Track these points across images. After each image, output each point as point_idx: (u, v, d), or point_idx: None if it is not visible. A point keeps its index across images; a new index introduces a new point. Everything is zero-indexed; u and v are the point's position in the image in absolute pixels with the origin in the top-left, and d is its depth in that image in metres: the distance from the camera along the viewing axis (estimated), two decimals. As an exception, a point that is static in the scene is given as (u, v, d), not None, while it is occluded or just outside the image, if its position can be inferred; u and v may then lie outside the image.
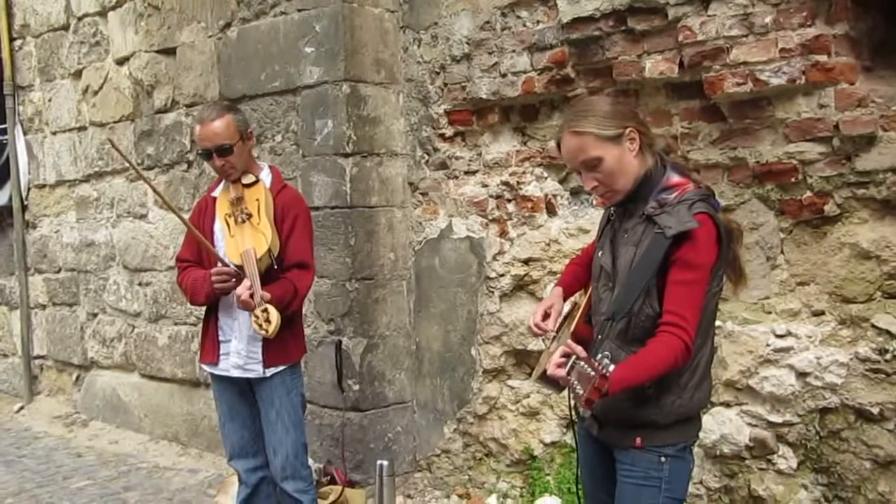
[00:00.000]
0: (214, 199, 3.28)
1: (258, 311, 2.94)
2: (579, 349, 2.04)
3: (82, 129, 5.93)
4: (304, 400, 3.35)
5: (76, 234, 6.09)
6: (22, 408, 6.59)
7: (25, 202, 6.54)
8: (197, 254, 3.31)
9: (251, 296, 2.94)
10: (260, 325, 2.94)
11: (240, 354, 3.18)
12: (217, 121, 3.11)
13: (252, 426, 3.29)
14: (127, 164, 5.50)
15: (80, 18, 5.80)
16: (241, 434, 3.29)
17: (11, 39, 6.43)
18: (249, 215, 3.11)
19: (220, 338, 3.23)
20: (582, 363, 1.98)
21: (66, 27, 5.95)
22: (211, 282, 3.09)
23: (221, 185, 3.28)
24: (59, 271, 6.32)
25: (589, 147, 2.17)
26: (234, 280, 3.06)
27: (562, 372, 2.04)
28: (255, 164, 3.32)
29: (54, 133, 6.23)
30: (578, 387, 1.98)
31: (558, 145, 2.27)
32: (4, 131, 6.50)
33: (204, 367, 3.36)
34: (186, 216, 3.40)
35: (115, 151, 5.60)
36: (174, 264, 3.48)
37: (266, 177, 3.27)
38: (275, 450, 3.22)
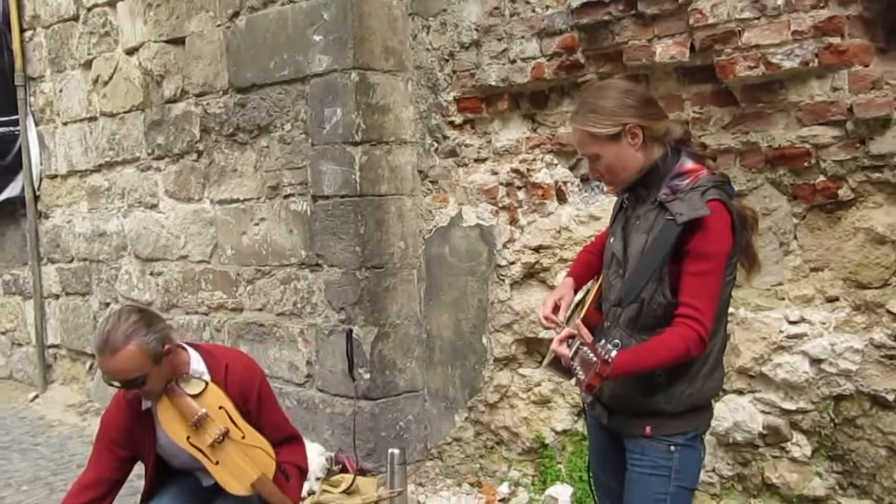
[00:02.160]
0: (149, 412, 2.64)
1: None
2: (585, 332, 2.04)
3: (93, 119, 5.94)
4: None
5: (88, 224, 6.12)
6: (36, 396, 6.64)
7: (38, 192, 6.57)
8: (115, 472, 2.69)
9: None
10: None
11: None
12: (119, 353, 2.43)
13: None
14: (137, 155, 5.53)
15: (89, 9, 5.79)
16: None
17: (22, 30, 6.44)
18: (226, 431, 2.56)
19: None
20: (585, 348, 1.98)
21: (75, 18, 5.95)
22: None
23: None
24: (71, 261, 6.35)
25: (587, 143, 2.20)
26: None
27: (565, 349, 2.07)
28: (183, 358, 2.65)
29: (65, 123, 6.24)
30: (580, 372, 1.99)
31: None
32: (16, 122, 6.52)
33: None
34: None
35: (125, 142, 5.62)
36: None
37: (201, 366, 2.67)
38: None
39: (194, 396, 2.56)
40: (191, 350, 2.71)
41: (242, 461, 2.57)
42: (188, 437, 2.55)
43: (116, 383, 2.50)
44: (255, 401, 2.67)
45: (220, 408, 2.57)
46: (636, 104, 2.20)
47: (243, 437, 2.58)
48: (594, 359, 1.93)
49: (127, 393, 2.56)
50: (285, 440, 2.76)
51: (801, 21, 2.98)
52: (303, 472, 2.77)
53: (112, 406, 2.73)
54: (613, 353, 1.93)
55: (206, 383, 2.60)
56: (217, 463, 2.55)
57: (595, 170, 2.24)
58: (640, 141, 2.16)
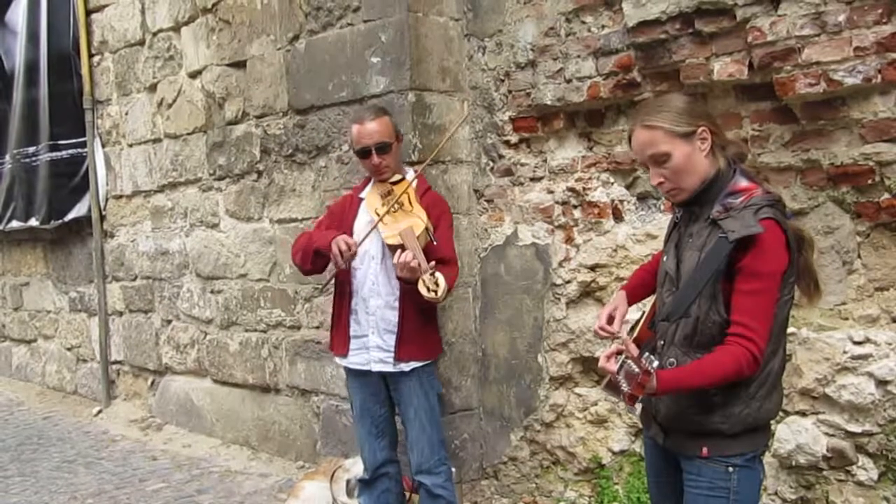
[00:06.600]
0: (360, 199, 3.51)
1: (426, 277, 3.05)
2: (632, 347, 2.04)
3: (157, 141, 6.11)
4: (440, 399, 3.64)
5: (151, 243, 6.28)
6: (100, 411, 6.80)
7: (103, 212, 6.76)
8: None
9: (415, 262, 3.09)
10: (428, 289, 3.04)
11: (379, 348, 3.39)
12: (377, 120, 3.38)
13: (381, 422, 3.53)
14: (199, 176, 5.67)
15: (154, 34, 5.98)
16: (370, 429, 3.53)
17: (91, 55, 6.66)
18: (401, 204, 3.34)
19: (353, 332, 3.43)
20: (630, 362, 1.99)
21: (141, 42, 6.15)
22: (329, 240, 3.27)
23: (369, 187, 3.51)
24: (135, 279, 6.51)
25: (659, 142, 2.16)
26: (347, 256, 3.25)
27: (612, 365, 2.06)
28: (402, 167, 3.57)
29: (130, 145, 6.42)
30: (624, 384, 1.99)
31: (630, 139, 2.26)
32: (84, 144, 6.73)
33: (336, 359, 3.57)
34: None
35: (188, 162, 5.76)
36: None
37: (410, 178, 3.49)
38: (412, 446, 3.46)
39: (392, 183, 3.43)
40: (410, 170, 3.62)
41: (403, 223, 3.27)
42: (376, 210, 3.35)
43: (373, 144, 3.36)
44: (435, 218, 3.39)
45: (406, 193, 3.36)
46: (704, 111, 2.24)
47: (412, 209, 3.32)
48: (637, 370, 1.94)
49: (373, 158, 3.38)
50: (443, 260, 3.31)
51: (864, 37, 2.94)
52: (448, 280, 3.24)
53: (337, 200, 3.79)
54: (655, 364, 1.94)
55: (403, 177, 3.47)
56: (386, 224, 3.30)
57: (659, 174, 2.19)
58: (709, 147, 2.16)
